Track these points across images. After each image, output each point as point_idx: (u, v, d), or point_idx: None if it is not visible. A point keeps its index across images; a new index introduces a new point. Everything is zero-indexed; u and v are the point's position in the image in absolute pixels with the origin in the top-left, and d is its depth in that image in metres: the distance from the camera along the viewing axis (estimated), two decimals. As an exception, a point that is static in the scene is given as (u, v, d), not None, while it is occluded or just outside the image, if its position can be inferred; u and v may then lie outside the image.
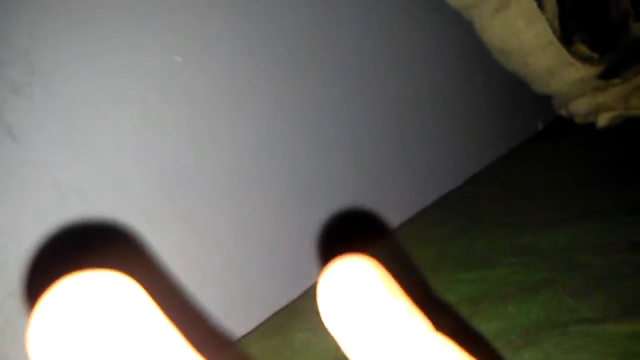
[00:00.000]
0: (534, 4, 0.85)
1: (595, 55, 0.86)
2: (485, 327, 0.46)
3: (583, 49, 0.86)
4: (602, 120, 0.92)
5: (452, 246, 0.63)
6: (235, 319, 0.57)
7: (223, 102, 0.61)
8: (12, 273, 0.45)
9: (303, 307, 0.58)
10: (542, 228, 0.61)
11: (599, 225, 0.58)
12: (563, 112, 0.99)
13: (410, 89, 0.82)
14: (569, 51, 0.86)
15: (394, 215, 0.73)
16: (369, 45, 0.77)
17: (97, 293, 0.13)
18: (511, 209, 0.69)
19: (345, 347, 0.16)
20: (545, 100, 0.99)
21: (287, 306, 0.60)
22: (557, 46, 0.86)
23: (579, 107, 0.94)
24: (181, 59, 0.58)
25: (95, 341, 0.12)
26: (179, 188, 0.56)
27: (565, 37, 0.86)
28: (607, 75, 0.89)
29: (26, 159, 0.47)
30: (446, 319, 0.48)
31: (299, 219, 0.65)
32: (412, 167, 0.78)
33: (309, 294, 0.60)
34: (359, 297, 0.15)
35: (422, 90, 0.84)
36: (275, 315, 0.59)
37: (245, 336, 0.56)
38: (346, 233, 0.67)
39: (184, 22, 0.58)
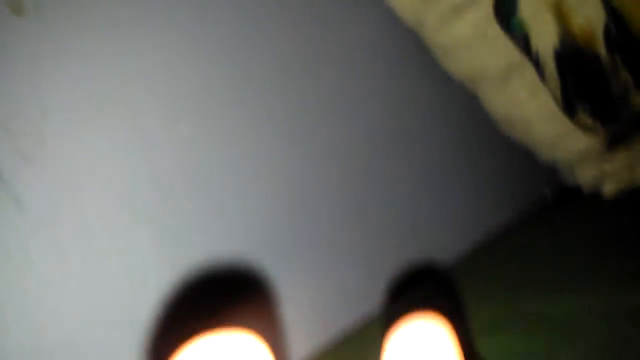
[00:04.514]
0: (536, 76, 0.87)
1: (598, 125, 0.88)
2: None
3: (586, 119, 0.87)
4: (609, 189, 0.92)
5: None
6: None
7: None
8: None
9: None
10: (546, 295, 0.61)
11: (602, 293, 0.58)
12: (570, 181, 0.99)
13: (418, 156, 0.83)
14: (572, 121, 0.87)
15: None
16: (377, 118, 0.79)
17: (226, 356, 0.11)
18: (515, 274, 0.69)
19: None
20: (553, 169, 1.00)
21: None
22: (560, 117, 0.87)
23: (585, 176, 0.94)
24: (189, 130, 0.60)
25: None
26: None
27: (568, 107, 0.87)
28: (611, 145, 0.90)
29: (33, 231, 0.48)
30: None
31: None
32: (417, 233, 0.78)
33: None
34: None
35: (430, 159, 0.85)
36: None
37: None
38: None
39: (191, 85, 0.61)
